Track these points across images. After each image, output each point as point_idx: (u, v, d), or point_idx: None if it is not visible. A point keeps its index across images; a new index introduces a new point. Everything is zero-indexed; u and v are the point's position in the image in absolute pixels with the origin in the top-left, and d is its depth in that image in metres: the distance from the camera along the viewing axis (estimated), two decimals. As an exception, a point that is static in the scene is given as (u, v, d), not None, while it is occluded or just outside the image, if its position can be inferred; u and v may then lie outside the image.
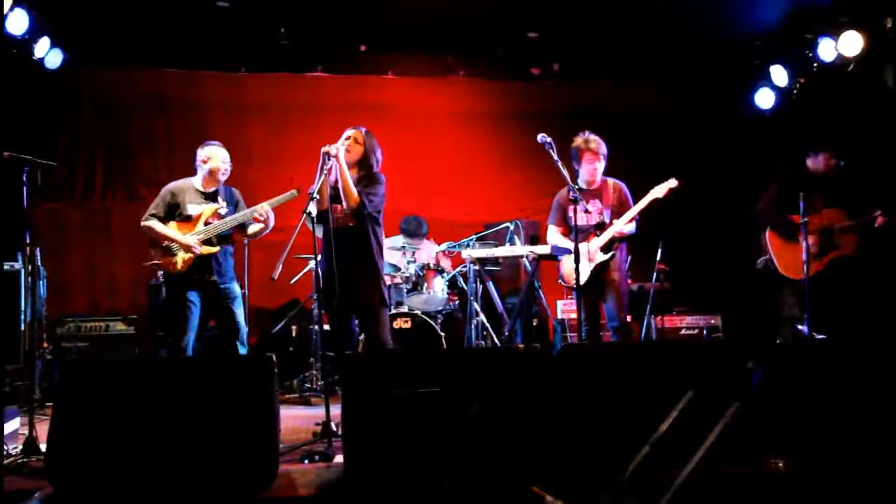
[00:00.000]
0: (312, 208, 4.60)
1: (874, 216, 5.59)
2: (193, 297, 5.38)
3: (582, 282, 5.62)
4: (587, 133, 5.82)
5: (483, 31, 7.80)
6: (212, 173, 5.51)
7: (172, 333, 5.42)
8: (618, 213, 5.75)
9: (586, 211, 5.44)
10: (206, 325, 5.61)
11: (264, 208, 5.41)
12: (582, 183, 5.80)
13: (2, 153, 4.45)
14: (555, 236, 5.87)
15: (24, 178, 4.54)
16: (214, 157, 5.53)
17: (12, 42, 6.30)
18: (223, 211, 5.52)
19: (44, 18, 6.48)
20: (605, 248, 5.70)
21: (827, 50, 6.89)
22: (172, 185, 5.55)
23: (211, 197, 5.54)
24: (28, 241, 4.69)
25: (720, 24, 7.29)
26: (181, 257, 5.34)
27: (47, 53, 6.74)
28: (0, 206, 5.52)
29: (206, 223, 5.42)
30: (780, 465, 3.71)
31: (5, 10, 6.01)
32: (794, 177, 5.96)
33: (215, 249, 5.42)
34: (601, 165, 5.79)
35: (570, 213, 5.70)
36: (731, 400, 3.46)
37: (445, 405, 3.67)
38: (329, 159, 4.69)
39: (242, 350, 5.51)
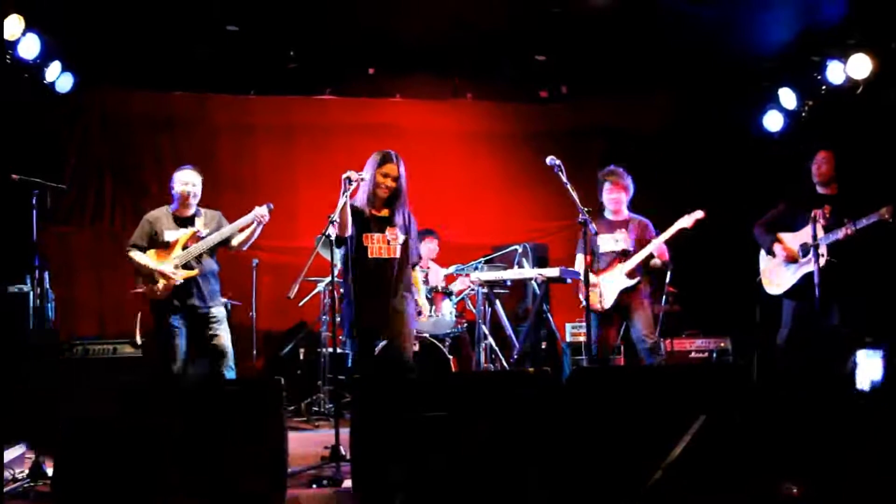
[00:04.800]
0: (331, 231, 4.61)
1: (840, 229, 5.49)
2: (178, 322, 5.47)
3: (608, 306, 5.71)
4: (612, 166, 6.05)
5: (491, 53, 7.84)
6: (182, 197, 5.61)
7: (162, 361, 5.48)
8: (639, 247, 5.91)
9: (595, 233, 5.45)
10: (195, 350, 5.63)
11: (258, 211, 5.50)
12: (609, 215, 6.05)
13: (11, 176, 4.48)
14: (580, 266, 5.90)
15: (34, 201, 4.55)
16: (177, 181, 5.63)
17: (24, 66, 6.34)
18: (202, 234, 5.57)
19: (55, 42, 6.52)
20: (631, 275, 5.83)
21: (835, 72, 6.89)
22: (149, 214, 5.71)
23: (188, 221, 5.62)
24: (37, 263, 4.70)
25: (728, 47, 7.30)
26: (162, 284, 5.41)
27: (59, 77, 6.78)
28: (9, 228, 5.55)
29: (184, 247, 5.49)
30: (795, 490, 3.66)
31: (18, 34, 6.06)
32: (801, 192, 5.95)
33: (193, 273, 5.48)
34: (624, 197, 6.00)
35: (600, 241, 5.90)
36: (743, 423, 3.43)
37: (455, 429, 3.65)
38: (350, 184, 4.69)
39: (230, 374, 5.52)
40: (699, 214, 5.83)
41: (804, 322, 5.76)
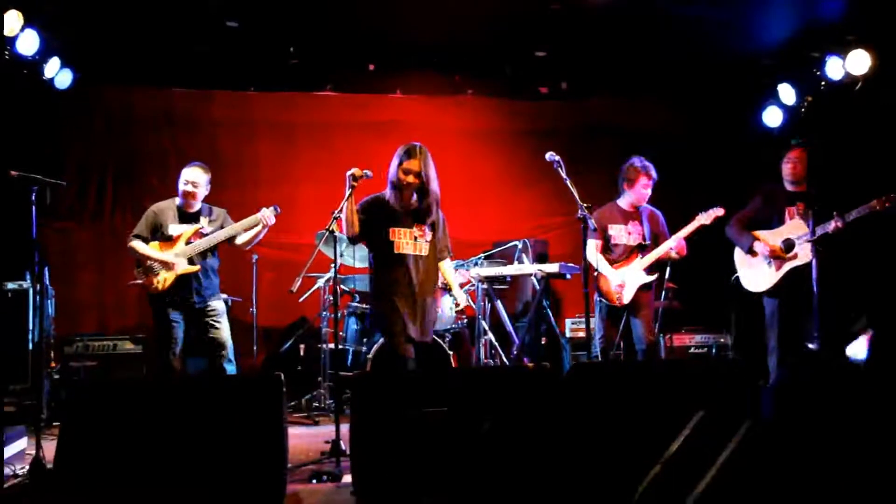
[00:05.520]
0: (334, 228, 4.62)
1: (829, 223, 5.49)
2: (176, 315, 5.50)
3: (626, 301, 5.73)
4: (643, 159, 6.01)
5: (491, 50, 7.83)
6: (185, 193, 5.62)
7: (160, 351, 5.53)
8: (655, 239, 5.97)
9: (593, 229, 5.46)
10: (192, 342, 5.66)
11: (264, 213, 5.52)
12: (625, 205, 6.05)
13: (10, 172, 4.48)
14: (593, 252, 5.89)
15: (33, 198, 4.55)
16: (182, 177, 5.66)
17: (23, 62, 6.34)
18: (206, 230, 5.59)
19: (54, 39, 6.52)
20: (649, 271, 5.91)
21: (835, 68, 6.90)
22: (155, 205, 5.72)
23: (193, 217, 5.64)
24: (37, 260, 4.70)
25: (728, 43, 7.30)
26: (162, 277, 5.45)
27: (57, 73, 6.77)
28: (9, 225, 5.55)
29: (188, 242, 5.51)
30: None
31: (16, 30, 6.06)
32: (774, 190, 5.95)
33: (195, 269, 5.51)
34: (650, 192, 6.01)
35: (611, 232, 5.84)
36: (742, 419, 3.43)
37: (454, 425, 3.66)
38: (355, 181, 4.65)
39: (229, 367, 5.55)
40: (720, 212, 5.91)
41: (792, 319, 5.74)
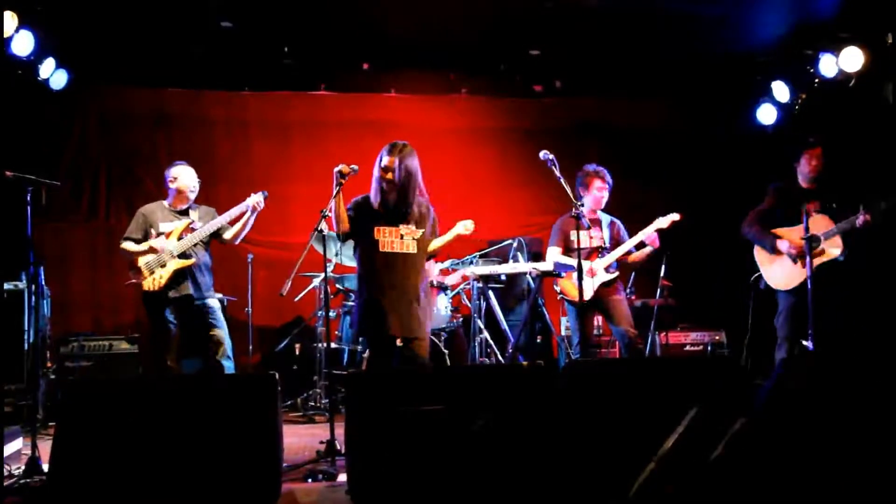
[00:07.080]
0: (324, 226, 4.63)
1: (857, 216, 5.51)
2: (171, 316, 5.52)
3: (587, 298, 5.76)
4: (596, 165, 6.14)
5: (485, 48, 7.84)
6: (179, 192, 5.70)
7: (156, 353, 5.57)
8: (615, 245, 6.08)
9: (588, 227, 5.54)
10: (189, 341, 5.68)
11: (253, 198, 5.59)
12: (585, 211, 6.02)
13: (5, 173, 4.48)
14: (556, 256, 5.98)
15: (29, 198, 4.56)
16: (181, 176, 5.72)
17: (18, 63, 6.34)
18: (196, 225, 5.62)
19: (49, 39, 6.52)
20: (608, 269, 6.00)
21: (828, 65, 6.91)
22: (144, 207, 5.80)
23: (183, 214, 5.68)
24: (32, 259, 4.71)
25: (722, 41, 7.31)
26: (159, 273, 5.46)
27: (52, 74, 6.77)
28: (4, 225, 5.55)
29: (179, 237, 5.54)
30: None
31: (11, 31, 6.05)
32: (787, 189, 5.94)
33: (190, 261, 5.54)
34: (607, 195, 6.10)
35: (574, 237, 5.89)
36: (736, 415, 3.44)
37: (449, 423, 3.66)
38: (343, 178, 4.67)
39: (227, 364, 5.57)
40: (675, 217, 5.97)
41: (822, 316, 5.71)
